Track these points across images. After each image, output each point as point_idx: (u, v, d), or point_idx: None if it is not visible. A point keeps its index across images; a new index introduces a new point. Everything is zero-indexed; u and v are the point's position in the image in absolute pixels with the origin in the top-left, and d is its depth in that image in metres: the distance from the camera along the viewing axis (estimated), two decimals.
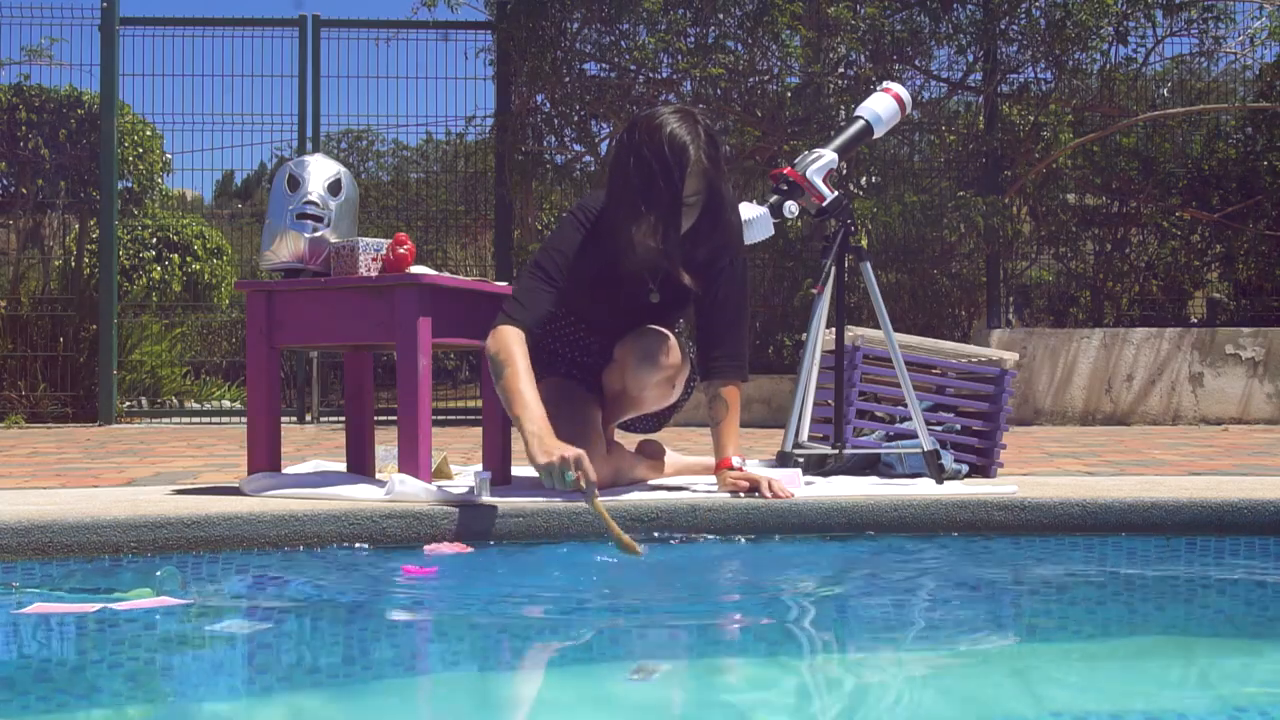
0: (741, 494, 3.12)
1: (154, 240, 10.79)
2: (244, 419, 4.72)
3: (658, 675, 1.86)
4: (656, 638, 2.21)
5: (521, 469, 3.75)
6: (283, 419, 3.68)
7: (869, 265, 3.51)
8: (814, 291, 3.53)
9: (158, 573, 2.30)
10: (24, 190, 8.96)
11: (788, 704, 1.79)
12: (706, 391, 3.30)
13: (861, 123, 3.59)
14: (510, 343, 3.01)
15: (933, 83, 9.03)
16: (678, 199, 3.03)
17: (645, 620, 2.36)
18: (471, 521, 2.92)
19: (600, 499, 2.80)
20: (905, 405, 3.52)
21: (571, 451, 2.77)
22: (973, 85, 9.04)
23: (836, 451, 3.51)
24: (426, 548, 2.84)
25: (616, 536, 2.72)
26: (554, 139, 8.92)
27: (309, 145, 8.77)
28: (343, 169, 3.43)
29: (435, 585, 2.59)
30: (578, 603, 2.45)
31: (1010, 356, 3.88)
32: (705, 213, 3.14)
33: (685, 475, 3.62)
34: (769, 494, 3.07)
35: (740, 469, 3.18)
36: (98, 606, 2.18)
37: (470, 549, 2.85)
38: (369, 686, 1.84)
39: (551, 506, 2.99)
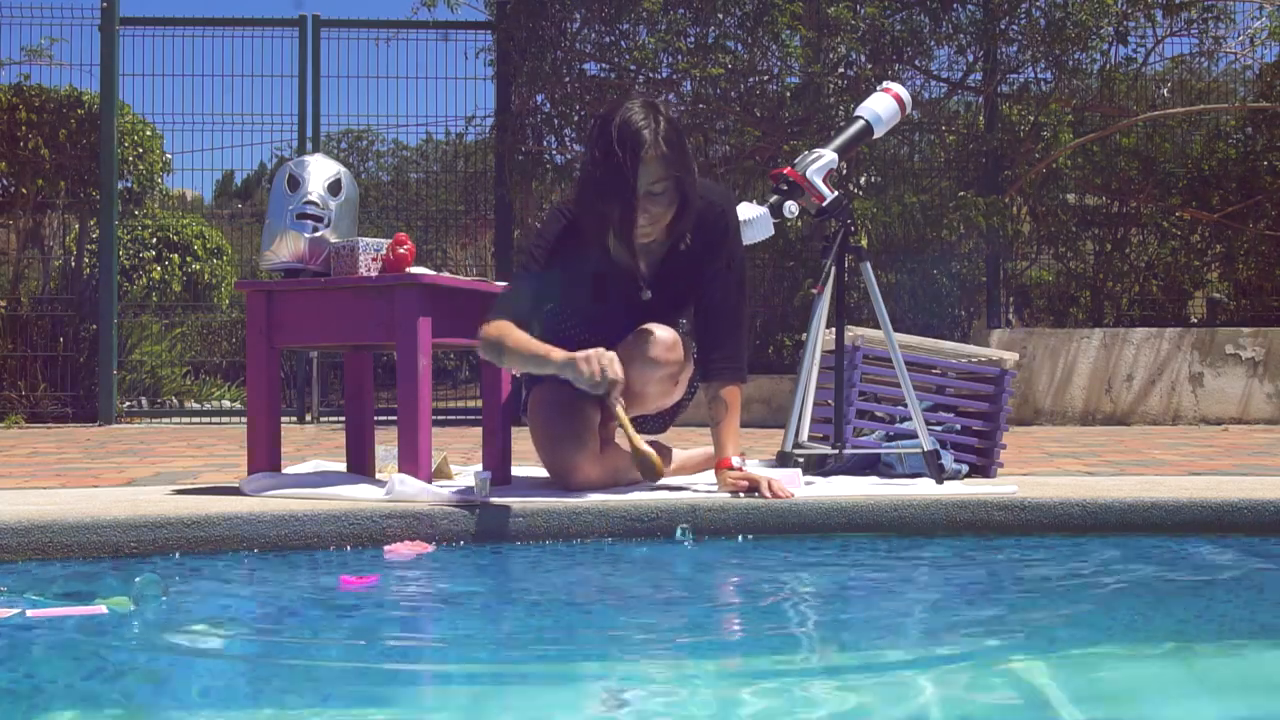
0: (741, 494, 3.12)
1: (154, 240, 10.77)
2: (244, 419, 4.71)
3: (625, 701, 1.81)
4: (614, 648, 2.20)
5: (521, 469, 3.75)
6: (283, 419, 3.68)
7: (869, 265, 3.52)
8: (814, 291, 3.53)
9: (136, 579, 2.27)
10: (24, 190, 8.94)
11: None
12: (706, 392, 3.31)
13: (861, 123, 3.59)
14: (500, 326, 3.08)
15: (933, 83, 9.03)
16: (631, 188, 3.02)
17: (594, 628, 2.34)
18: (471, 521, 2.92)
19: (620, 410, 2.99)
20: (905, 405, 3.52)
21: (596, 355, 2.91)
22: (973, 85, 9.04)
23: (836, 451, 3.51)
24: (386, 548, 2.83)
25: (638, 451, 2.95)
26: (554, 139, 8.91)
27: (309, 145, 8.76)
28: (343, 169, 3.43)
29: (353, 601, 2.47)
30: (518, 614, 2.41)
31: (1010, 356, 3.88)
32: (680, 202, 3.12)
33: (684, 475, 3.62)
34: (769, 494, 3.08)
35: (740, 469, 3.18)
36: (14, 612, 2.14)
37: (431, 548, 2.84)
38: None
39: (552, 506, 2.99)
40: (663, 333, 3.21)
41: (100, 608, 2.19)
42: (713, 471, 3.32)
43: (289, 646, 2.13)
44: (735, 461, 3.19)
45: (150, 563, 2.69)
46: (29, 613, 2.15)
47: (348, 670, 1.96)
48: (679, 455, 3.65)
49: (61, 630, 2.10)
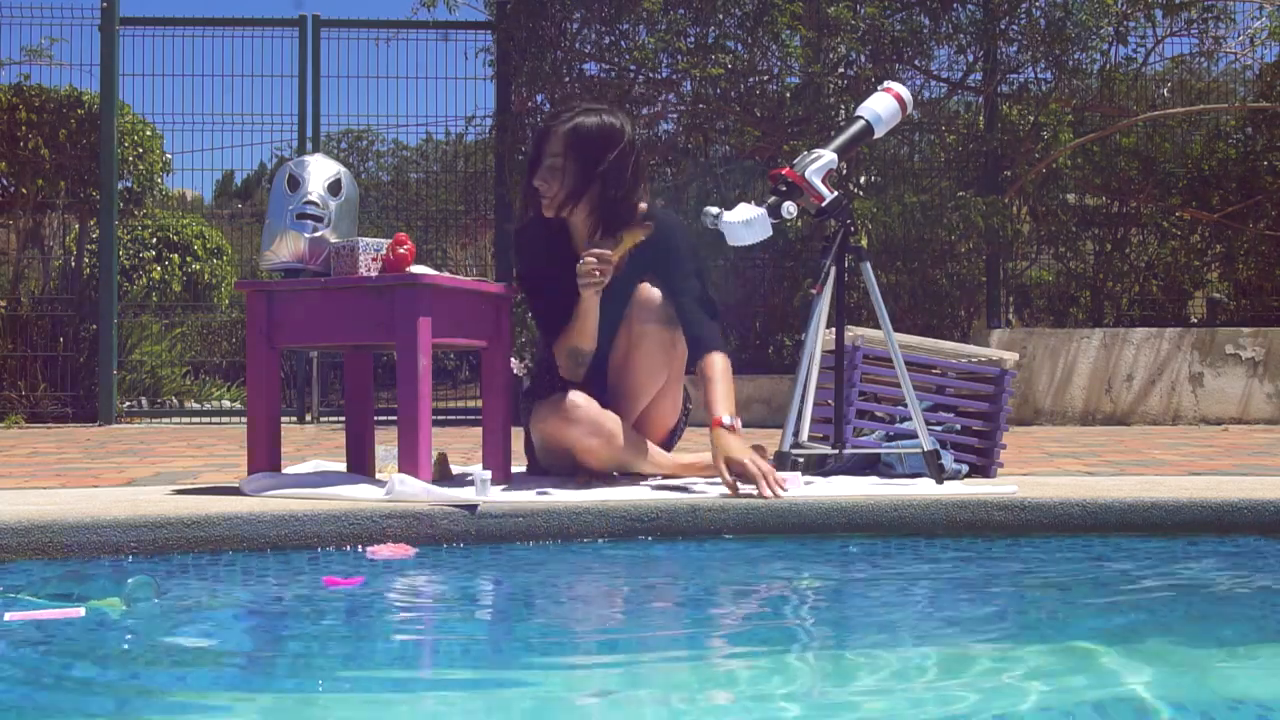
0: (738, 487, 3.12)
1: (154, 240, 10.78)
2: (244, 419, 4.71)
3: (614, 699, 1.80)
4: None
5: (521, 468, 3.75)
6: (283, 419, 3.67)
7: (869, 265, 3.51)
8: (813, 291, 3.53)
9: (129, 580, 2.26)
10: (24, 190, 8.94)
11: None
12: (696, 374, 3.43)
13: (862, 123, 3.59)
14: (555, 351, 3.51)
15: (933, 83, 9.03)
16: (537, 158, 3.43)
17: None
18: (471, 521, 2.92)
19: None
20: (905, 405, 3.52)
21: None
22: (973, 85, 9.03)
23: (836, 451, 3.51)
24: (369, 550, 2.82)
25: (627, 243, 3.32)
26: None
27: (309, 145, 8.76)
28: (343, 169, 3.43)
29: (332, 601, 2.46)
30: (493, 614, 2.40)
31: (1010, 356, 3.88)
32: (569, 188, 3.41)
33: (689, 475, 3.62)
34: (768, 493, 3.08)
35: (733, 427, 3.22)
36: None
37: (414, 550, 2.83)
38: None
39: (552, 506, 2.99)
40: (654, 290, 3.40)
41: (78, 610, 2.18)
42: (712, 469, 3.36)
43: (286, 648, 2.13)
44: (726, 421, 3.24)
45: (150, 562, 2.69)
46: (7, 615, 2.14)
47: (343, 672, 1.96)
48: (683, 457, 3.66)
49: (48, 631, 2.10)
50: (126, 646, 2.07)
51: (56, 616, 2.16)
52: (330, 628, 2.25)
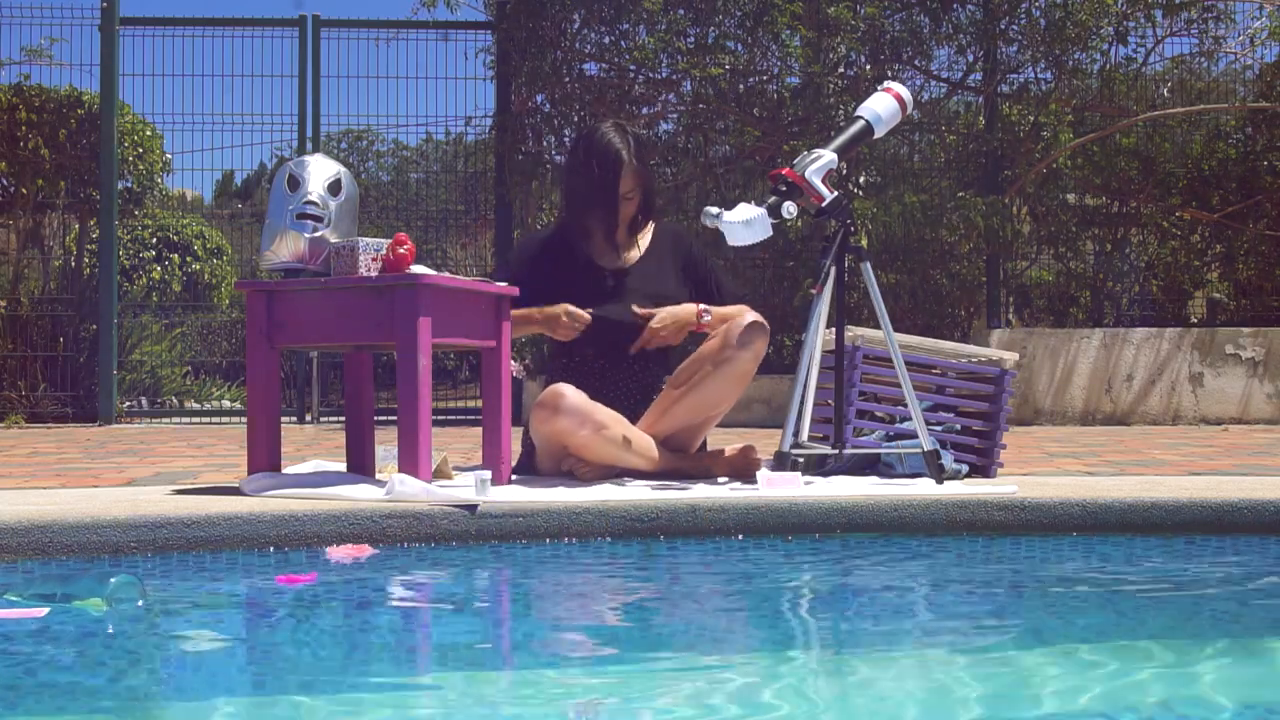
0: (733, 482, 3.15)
1: (154, 240, 10.78)
2: (244, 419, 4.71)
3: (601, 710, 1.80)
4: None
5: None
6: (283, 419, 3.67)
7: (869, 265, 3.52)
8: (813, 291, 3.53)
9: (111, 579, 2.25)
10: (24, 190, 8.93)
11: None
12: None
13: (862, 123, 3.59)
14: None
15: (933, 83, 9.02)
16: (615, 195, 3.61)
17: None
18: (471, 521, 2.92)
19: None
20: (905, 405, 3.52)
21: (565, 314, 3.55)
22: (973, 85, 9.03)
23: (836, 451, 3.51)
24: (329, 550, 2.82)
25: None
26: (554, 139, 8.90)
27: (309, 145, 8.76)
28: (343, 169, 3.43)
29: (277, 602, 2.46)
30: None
31: (1010, 356, 3.88)
32: (642, 204, 3.72)
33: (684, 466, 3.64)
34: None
35: (701, 313, 3.59)
36: None
37: (375, 551, 2.82)
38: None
39: (552, 506, 2.99)
40: (754, 317, 3.55)
41: (40, 610, 2.17)
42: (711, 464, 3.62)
43: (283, 645, 2.13)
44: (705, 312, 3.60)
45: (148, 563, 2.69)
46: None
47: (337, 671, 1.96)
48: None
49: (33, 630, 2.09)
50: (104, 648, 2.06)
51: (17, 615, 2.15)
52: (320, 629, 2.25)
